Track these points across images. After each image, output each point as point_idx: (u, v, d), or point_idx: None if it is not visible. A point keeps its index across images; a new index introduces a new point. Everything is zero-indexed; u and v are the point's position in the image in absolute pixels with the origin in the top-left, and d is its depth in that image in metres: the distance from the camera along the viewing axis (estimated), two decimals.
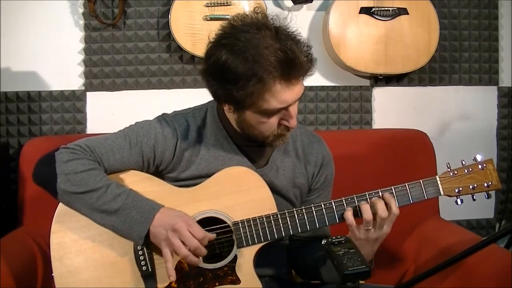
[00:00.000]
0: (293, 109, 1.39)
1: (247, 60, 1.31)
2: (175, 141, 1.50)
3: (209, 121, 1.54)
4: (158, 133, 1.49)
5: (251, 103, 1.35)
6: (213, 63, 1.36)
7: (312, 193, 1.63)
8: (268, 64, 1.30)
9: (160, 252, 1.41)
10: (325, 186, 1.64)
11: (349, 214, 1.40)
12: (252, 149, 1.53)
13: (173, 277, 1.37)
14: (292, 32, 1.37)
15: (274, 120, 1.40)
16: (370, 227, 1.40)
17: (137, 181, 1.46)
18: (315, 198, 1.62)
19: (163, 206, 1.40)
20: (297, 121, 1.43)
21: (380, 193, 1.43)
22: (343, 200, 1.44)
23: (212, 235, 1.39)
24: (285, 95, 1.34)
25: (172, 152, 1.49)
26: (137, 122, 1.53)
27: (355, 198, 1.43)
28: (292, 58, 1.31)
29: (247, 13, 1.44)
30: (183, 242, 1.35)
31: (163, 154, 1.49)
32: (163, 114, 1.56)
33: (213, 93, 1.42)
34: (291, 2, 2.39)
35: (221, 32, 1.38)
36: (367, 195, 1.43)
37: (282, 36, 1.34)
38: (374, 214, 1.39)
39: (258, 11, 2.24)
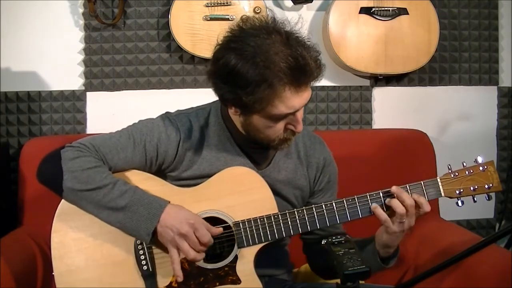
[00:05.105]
0: (300, 114, 1.40)
1: (257, 65, 1.29)
2: (177, 140, 1.49)
3: (212, 121, 1.54)
4: (162, 132, 1.49)
5: (260, 108, 1.34)
6: (221, 67, 1.34)
7: (316, 195, 1.63)
8: (278, 70, 1.29)
9: (161, 252, 1.42)
10: (329, 186, 1.64)
11: (380, 210, 1.42)
12: (255, 150, 1.53)
13: (181, 278, 1.38)
14: (302, 37, 1.36)
15: (280, 125, 1.40)
16: (404, 220, 1.40)
17: (138, 181, 1.46)
18: (320, 199, 1.61)
19: (169, 202, 1.40)
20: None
21: (381, 194, 1.44)
22: (344, 201, 1.44)
23: (219, 229, 1.40)
24: (293, 101, 1.34)
25: (175, 151, 1.49)
26: (140, 120, 1.53)
27: (356, 199, 1.44)
28: (302, 65, 1.30)
29: (257, 16, 1.42)
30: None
31: (166, 153, 1.49)
32: (166, 112, 1.56)
33: (220, 96, 1.41)
34: (291, 2, 2.39)
35: (230, 35, 1.36)
36: (367, 196, 1.44)
37: (293, 42, 1.32)
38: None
39: (258, 11, 2.24)
